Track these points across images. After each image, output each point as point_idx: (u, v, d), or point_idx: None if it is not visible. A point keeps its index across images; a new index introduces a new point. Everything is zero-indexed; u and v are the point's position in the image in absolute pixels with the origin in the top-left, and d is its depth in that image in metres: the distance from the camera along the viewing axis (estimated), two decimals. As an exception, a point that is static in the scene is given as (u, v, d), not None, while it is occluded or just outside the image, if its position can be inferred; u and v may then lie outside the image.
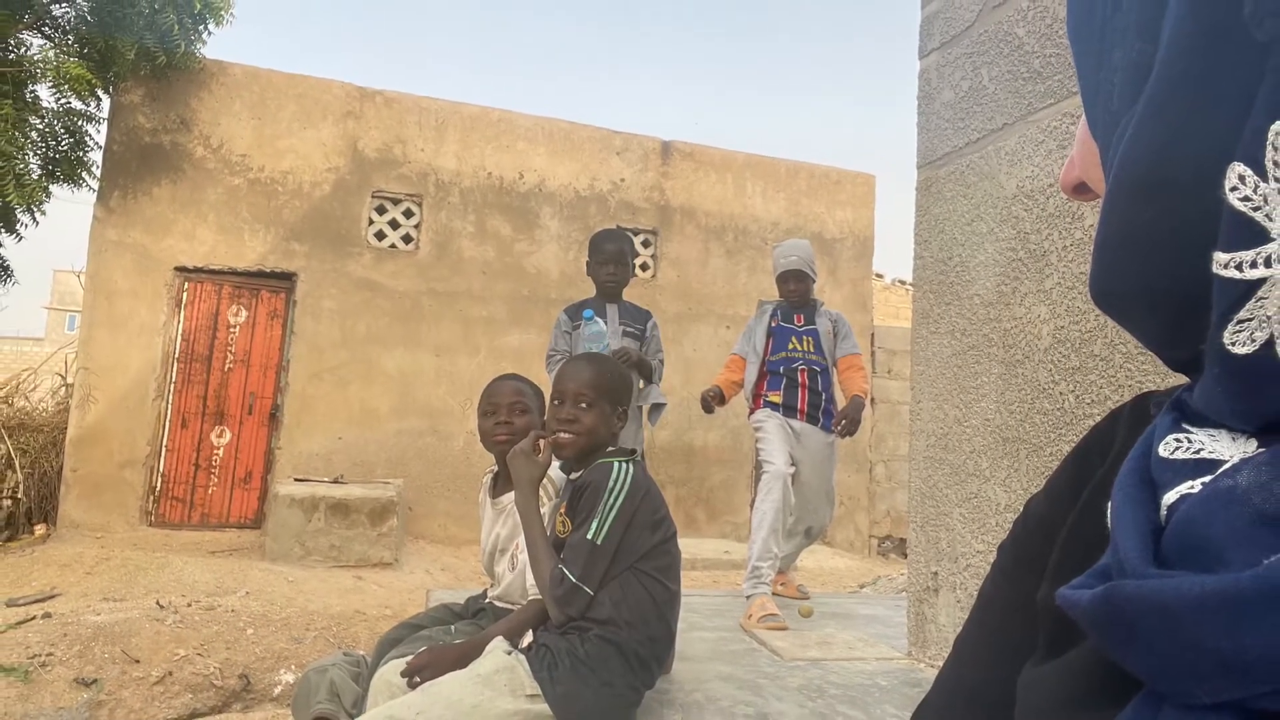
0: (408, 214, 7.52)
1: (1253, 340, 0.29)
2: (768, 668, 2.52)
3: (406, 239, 7.51)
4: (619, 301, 3.46)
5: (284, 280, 7.18)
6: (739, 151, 8.48)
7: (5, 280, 6.75)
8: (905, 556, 7.69)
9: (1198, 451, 0.32)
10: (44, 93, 6.05)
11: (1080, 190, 0.41)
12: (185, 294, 6.99)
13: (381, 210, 7.46)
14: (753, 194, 8.29)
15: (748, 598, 3.20)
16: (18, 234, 6.53)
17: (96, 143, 6.58)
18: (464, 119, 7.67)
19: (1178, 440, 0.33)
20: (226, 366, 7.09)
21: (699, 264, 8.15)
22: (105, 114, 6.69)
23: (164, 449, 6.93)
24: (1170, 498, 0.31)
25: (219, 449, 7.07)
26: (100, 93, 6.41)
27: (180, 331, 6.98)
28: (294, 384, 7.09)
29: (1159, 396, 0.40)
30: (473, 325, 7.47)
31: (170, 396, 6.95)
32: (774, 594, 3.50)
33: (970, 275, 2.50)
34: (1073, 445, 1.98)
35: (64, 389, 7.54)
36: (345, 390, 7.16)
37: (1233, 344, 0.30)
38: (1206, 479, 0.30)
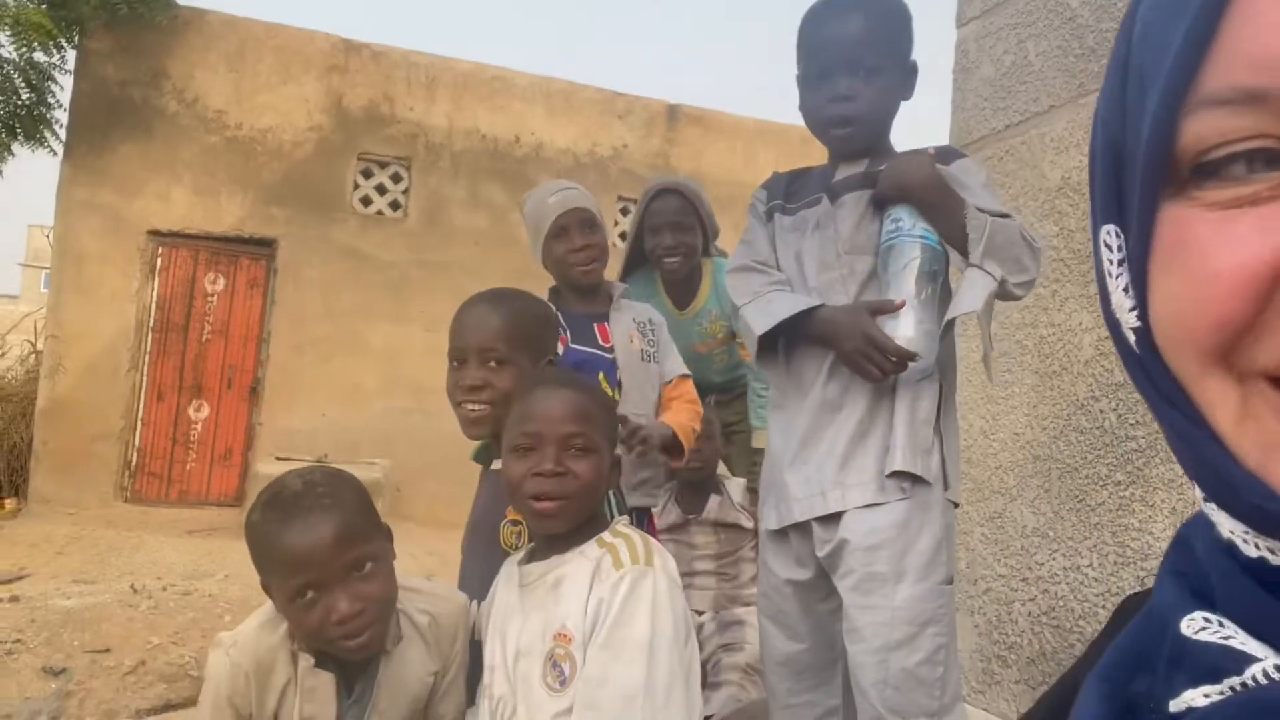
0: (395, 178, 7.34)
1: None
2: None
3: (394, 205, 7.34)
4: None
5: (264, 247, 7.03)
6: (749, 117, 8.27)
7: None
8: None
9: (1227, 639, 0.32)
10: (3, 41, 5.84)
11: None
12: (159, 259, 6.86)
13: (368, 174, 7.29)
14: (765, 163, 8.06)
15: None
16: None
17: (59, 101, 6.38)
18: (456, 76, 7.45)
19: (1206, 620, 0.33)
20: (204, 337, 6.97)
21: (705, 235, 7.96)
22: (71, 66, 6.49)
23: (139, 422, 6.86)
24: (1194, 697, 0.32)
25: (197, 424, 6.98)
26: (64, 43, 6.19)
27: (155, 299, 6.86)
28: (275, 357, 6.97)
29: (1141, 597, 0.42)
30: (465, 299, 7.30)
31: (145, 368, 6.85)
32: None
33: (1004, 274, 2.34)
34: (1111, 467, 1.80)
35: (34, 356, 7.42)
36: (329, 365, 7.04)
37: None
38: (1235, 681, 0.31)
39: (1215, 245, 0.32)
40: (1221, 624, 0.33)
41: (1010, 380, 2.34)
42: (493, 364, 1.55)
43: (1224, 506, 0.34)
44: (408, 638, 1.41)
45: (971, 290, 1.39)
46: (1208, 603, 0.34)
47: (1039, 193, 2.25)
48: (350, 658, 1.33)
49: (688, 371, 2.24)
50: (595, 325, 2.11)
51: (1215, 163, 0.32)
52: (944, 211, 1.44)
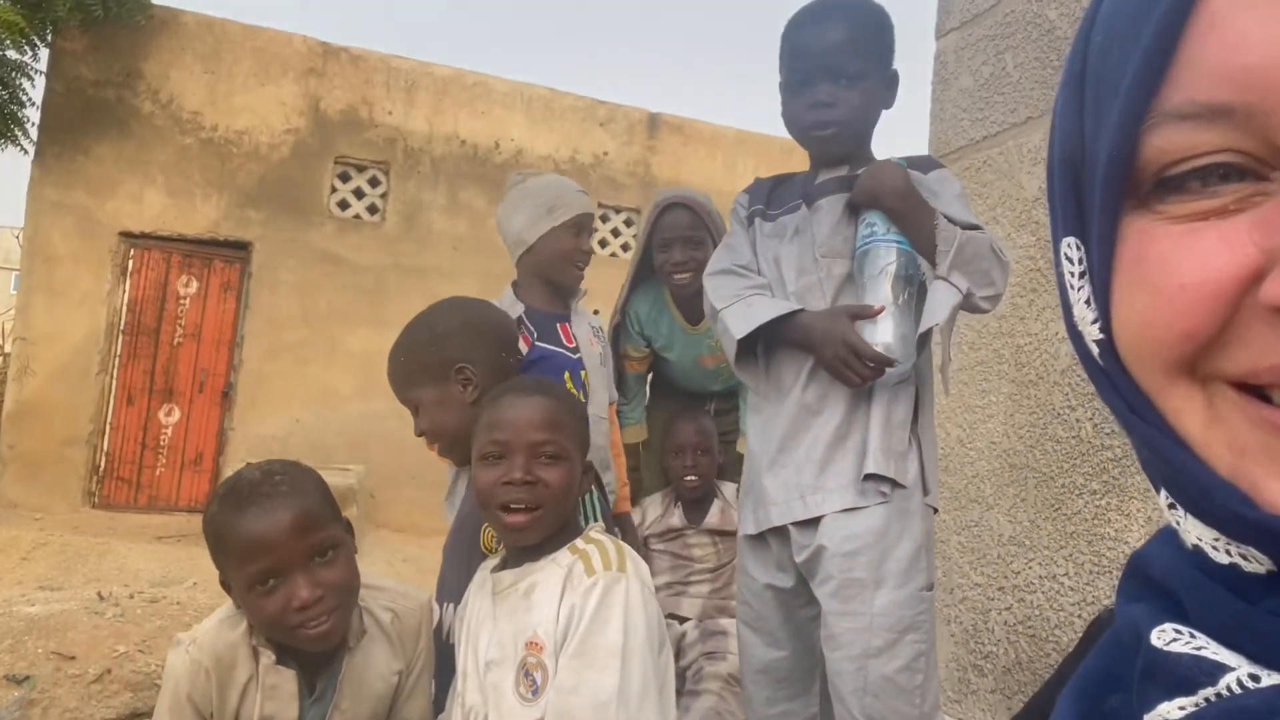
0: (373, 182, 7.29)
1: None
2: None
3: (372, 209, 7.29)
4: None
5: (238, 250, 6.95)
6: (730, 127, 8.30)
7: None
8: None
9: (1200, 649, 0.32)
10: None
11: None
12: (131, 261, 6.76)
13: (345, 178, 7.23)
14: (744, 172, 8.09)
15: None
16: None
17: (31, 98, 6.27)
18: (436, 81, 7.42)
19: (1176, 631, 0.33)
20: (176, 341, 6.87)
21: (684, 243, 7.96)
22: (43, 64, 6.40)
23: (109, 426, 6.76)
24: (1169, 709, 0.31)
25: (168, 428, 6.87)
26: (37, 41, 6.09)
27: (125, 302, 6.75)
28: (249, 361, 6.89)
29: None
30: (442, 303, 7.26)
31: (115, 371, 6.74)
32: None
33: (982, 283, 2.35)
34: (1087, 476, 1.80)
35: (1, 358, 7.29)
36: (304, 369, 6.96)
37: None
38: (1209, 692, 0.30)
39: (1180, 258, 0.32)
40: (1193, 635, 0.32)
41: (987, 389, 2.34)
42: (412, 410, 1.60)
43: (1196, 513, 0.33)
44: (371, 635, 1.39)
45: (937, 302, 1.40)
46: (1178, 616, 0.34)
47: (1016, 203, 2.26)
48: (311, 648, 1.30)
49: (616, 397, 2.38)
50: (559, 325, 2.11)
51: (1178, 177, 0.32)
52: (913, 221, 1.44)
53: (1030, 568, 2.15)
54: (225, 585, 1.32)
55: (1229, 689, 0.30)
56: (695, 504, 2.51)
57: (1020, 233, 2.23)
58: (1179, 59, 0.31)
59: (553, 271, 2.13)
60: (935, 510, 1.54)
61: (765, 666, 1.59)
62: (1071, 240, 0.37)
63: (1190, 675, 0.31)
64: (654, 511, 2.53)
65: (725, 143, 8.24)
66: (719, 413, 2.61)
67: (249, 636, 1.32)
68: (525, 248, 2.13)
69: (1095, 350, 0.36)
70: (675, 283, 2.37)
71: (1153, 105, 0.32)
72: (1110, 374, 0.36)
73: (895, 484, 1.44)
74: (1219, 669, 0.31)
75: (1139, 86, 0.32)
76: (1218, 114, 0.30)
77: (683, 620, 2.45)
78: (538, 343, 2.05)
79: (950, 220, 1.43)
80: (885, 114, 1.61)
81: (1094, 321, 0.36)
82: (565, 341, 2.10)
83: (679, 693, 2.34)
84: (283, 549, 1.24)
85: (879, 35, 1.52)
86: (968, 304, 1.43)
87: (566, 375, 2.04)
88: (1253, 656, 0.31)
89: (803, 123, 1.54)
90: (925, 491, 1.49)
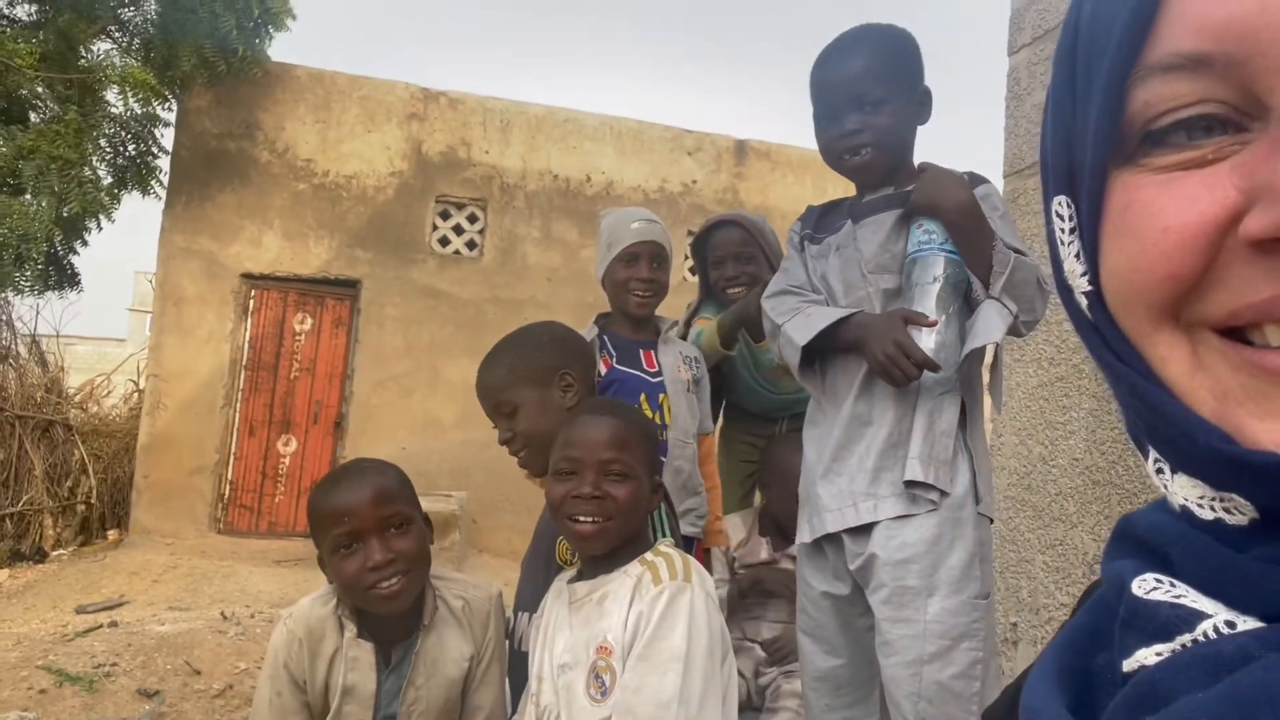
0: (472, 219, 7.60)
1: None
2: None
3: (470, 245, 7.59)
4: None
5: (348, 288, 7.35)
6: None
7: (73, 287, 7.09)
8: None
9: (1179, 597, 0.32)
10: (110, 98, 6.31)
11: None
12: (252, 301, 7.23)
13: (445, 215, 7.56)
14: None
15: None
16: (83, 239, 6.84)
17: (164, 149, 6.85)
18: (529, 119, 7.71)
19: (1157, 580, 0.33)
20: (293, 375, 7.30)
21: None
22: (173, 118, 6.96)
23: (232, 457, 7.18)
24: (1146, 655, 0.32)
25: (285, 457, 7.29)
26: (168, 96, 6.66)
27: (247, 339, 7.22)
28: (358, 393, 7.25)
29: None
30: (538, 333, 7.49)
31: (238, 404, 7.20)
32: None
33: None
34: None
35: (136, 394, 7.91)
36: (409, 399, 7.28)
37: None
38: (1186, 639, 0.31)
39: (1163, 203, 0.33)
40: (1173, 584, 0.33)
41: (1068, 405, 2.33)
42: (503, 418, 1.69)
43: (1181, 463, 0.34)
44: (443, 619, 1.56)
45: (991, 322, 1.44)
46: (1162, 569, 0.34)
47: (1090, 216, 2.26)
48: (384, 610, 1.48)
49: (711, 429, 2.42)
50: (642, 351, 2.20)
51: (1162, 131, 0.33)
52: (973, 240, 1.48)
53: (1115, 586, 2.13)
54: (321, 564, 1.52)
55: (1205, 635, 0.31)
56: (780, 532, 2.54)
57: (1095, 246, 2.23)
58: (1162, 15, 0.33)
59: (617, 303, 2.24)
60: (990, 520, 1.58)
61: (824, 674, 1.64)
62: (1062, 199, 0.38)
63: (1168, 623, 0.32)
64: (737, 535, 2.57)
65: (814, 165, 8.22)
66: (791, 431, 2.65)
67: (336, 610, 1.52)
68: (601, 285, 2.27)
69: (1084, 303, 0.38)
70: (729, 298, 2.41)
71: (1138, 61, 0.33)
72: (1099, 326, 0.37)
73: (943, 492, 1.49)
74: (1196, 616, 0.31)
75: (1125, 43, 0.33)
76: (1199, 64, 0.32)
77: (759, 642, 2.49)
78: (616, 365, 2.15)
79: (1005, 244, 1.48)
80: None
81: (1083, 274, 0.37)
82: (646, 366, 2.19)
83: (757, 709, 2.39)
84: (362, 515, 1.45)
85: (899, 59, 1.58)
86: (1011, 326, 1.47)
87: (643, 397, 2.13)
88: (1233, 603, 0.31)
89: (835, 153, 1.62)
90: (978, 500, 1.53)
